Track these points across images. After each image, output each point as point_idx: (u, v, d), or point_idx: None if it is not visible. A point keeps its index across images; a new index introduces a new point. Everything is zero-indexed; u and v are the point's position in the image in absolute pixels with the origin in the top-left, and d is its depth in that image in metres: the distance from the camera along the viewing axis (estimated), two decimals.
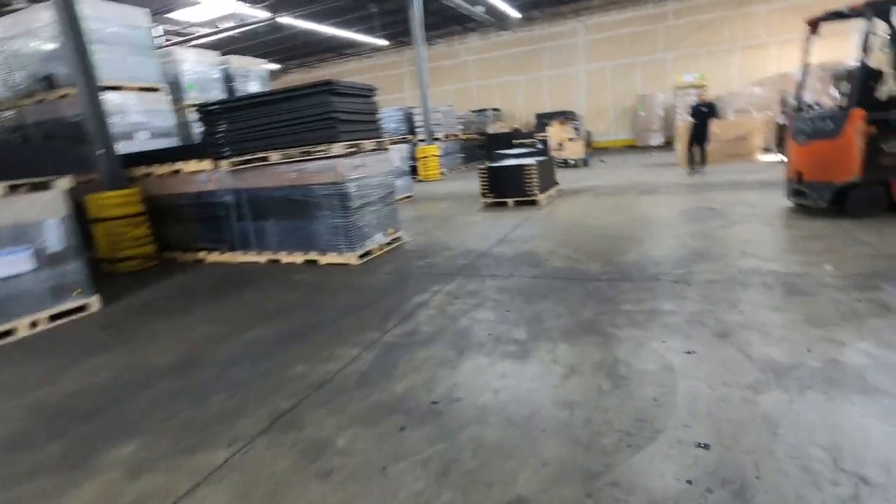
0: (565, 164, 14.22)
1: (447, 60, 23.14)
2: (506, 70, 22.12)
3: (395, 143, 17.62)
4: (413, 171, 15.95)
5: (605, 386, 2.39)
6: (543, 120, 16.15)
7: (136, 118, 7.30)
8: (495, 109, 21.58)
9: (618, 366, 2.58)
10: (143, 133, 7.39)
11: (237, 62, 10.69)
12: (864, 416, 1.97)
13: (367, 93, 5.79)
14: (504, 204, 8.28)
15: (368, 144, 5.61)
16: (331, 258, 5.51)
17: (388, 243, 6.01)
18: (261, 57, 23.64)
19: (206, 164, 5.85)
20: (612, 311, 3.34)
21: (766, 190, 7.27)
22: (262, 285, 4.99)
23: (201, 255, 6.37)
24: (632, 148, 19.09)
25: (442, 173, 15.77)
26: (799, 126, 5.45)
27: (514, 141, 18.17)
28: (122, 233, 5.89)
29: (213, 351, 3.35)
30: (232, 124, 5.58)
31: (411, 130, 16.62)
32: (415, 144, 15.80)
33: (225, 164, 5.69)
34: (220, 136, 5.66)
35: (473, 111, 21.14)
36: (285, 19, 14.89)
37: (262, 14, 14.62)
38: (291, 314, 3.99)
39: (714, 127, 11.10)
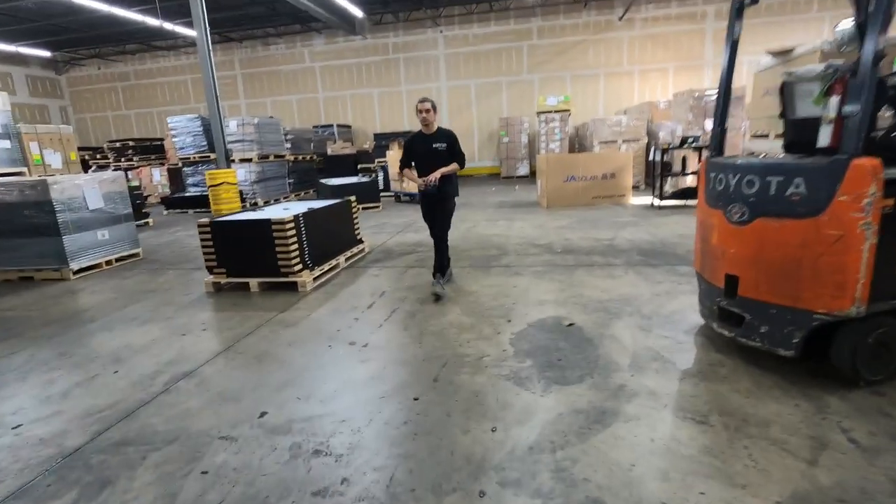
0: (410, 199, 11.15)
1: (288, 65, 19.22)
2: (358, 81, 18.82)
3: (190, 163, 13.22)
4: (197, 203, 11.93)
5: None
6: (382, 141, 13.03)
7: None
8: (344, 126, 18.12)
9: None
10: None
11: None
12: None
13: None
14: (246, 287, 4.71)
15: None
16: None
17: None
18: (25, 41, 17.38)
19: None
20: None
21: (652, 269, 4.65)
22: None
23: None
24: (496, 177, 16.84)
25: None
26: (727, 184, 2.68)
27: (361, 165, 14.91)
28: None
29: None
30: None
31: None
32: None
33: None
34: None
35: (316, 126, 17.45)
36: None
37: None
38: None
39: (578, 161, 8.81)
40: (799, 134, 2.79)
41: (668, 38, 16.37)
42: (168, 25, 14.40)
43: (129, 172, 16.54)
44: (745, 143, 6.95)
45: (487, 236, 6.75)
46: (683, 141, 8.28)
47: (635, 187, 10.88)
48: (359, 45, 18.39)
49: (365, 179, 10.86)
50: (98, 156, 18.25)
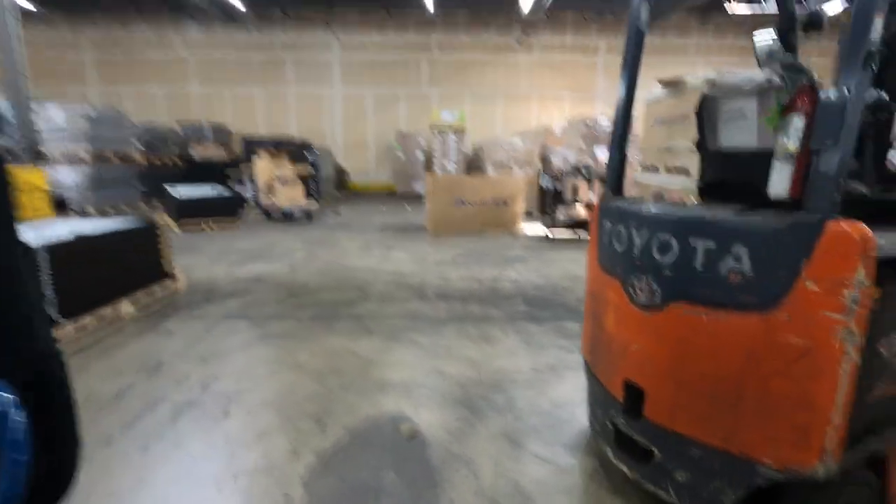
0: (284, 217, 9.58)
1: (155, 52, 16.59)
2: (241, 79, 16.75)
3: None
4: None
5: None
6: (252, 147, 11.35)
7: None
8: (220, 127, 15.84)
9: None
10: None
11: None
12: None
13: None
14: None
15: None
16: None
17: None
18: None
19: None
20: None
21: (537, 326, 3.74)
22: None
23: None
24: (392, 194, 15.72)
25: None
26: (630, 243, 1.75)
27: (229, 170, 12.92)
28: None
29: None
30: None
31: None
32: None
33: None
34: None
35: (184, 125, 15.04)
36: None
37: None
38: None
39: (468, 184, 7.99)
40: (722, 172, 1.96)
41: (565, 67, 16.60)
42: None
43: None
44: (635, 176, 6.54)
45: (353, 271, 5.53)
46: (577, 169, 7.80)
47: (528, 213, 10.37)
48: (242, 39, 16.40)
49: (225, 193, 9.12)
50: None
